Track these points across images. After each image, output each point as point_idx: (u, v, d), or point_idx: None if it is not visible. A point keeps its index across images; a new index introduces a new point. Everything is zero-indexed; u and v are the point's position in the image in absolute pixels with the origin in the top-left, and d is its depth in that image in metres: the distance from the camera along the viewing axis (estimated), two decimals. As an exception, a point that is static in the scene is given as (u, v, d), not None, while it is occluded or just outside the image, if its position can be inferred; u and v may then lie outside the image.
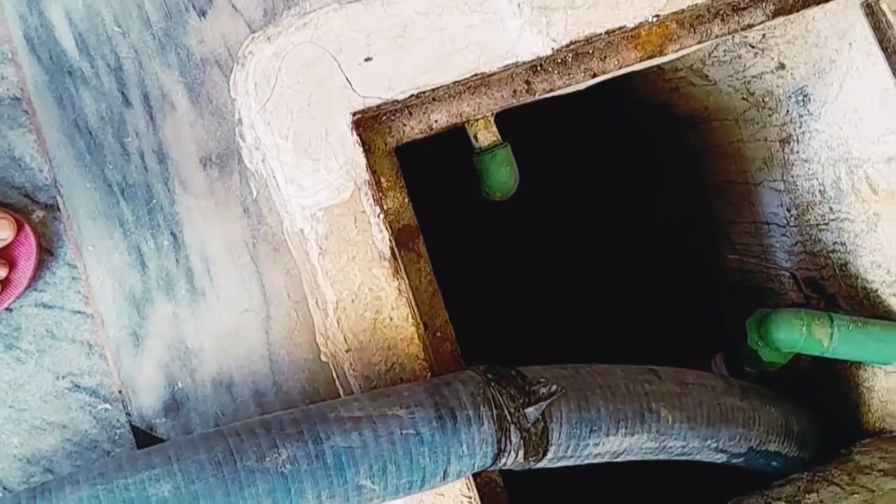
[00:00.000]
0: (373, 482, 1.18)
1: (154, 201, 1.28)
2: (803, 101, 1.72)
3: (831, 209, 1.75)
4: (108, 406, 1.28)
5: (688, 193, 2.32)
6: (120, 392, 1.28)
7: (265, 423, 1.18)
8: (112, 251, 1.28)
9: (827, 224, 1.78)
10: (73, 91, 1.26)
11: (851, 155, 1.64)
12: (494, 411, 1.24)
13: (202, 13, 1.29)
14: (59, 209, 1.27)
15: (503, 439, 1.25)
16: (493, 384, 1.27)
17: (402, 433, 1.19)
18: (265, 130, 1.29)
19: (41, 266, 1.26)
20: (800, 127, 1.77)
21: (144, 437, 1.29)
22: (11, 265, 1.23)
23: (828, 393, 1.91)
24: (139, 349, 1.29)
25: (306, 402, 1.32)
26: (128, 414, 1.28)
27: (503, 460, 1.27)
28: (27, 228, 1.23)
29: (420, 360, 1.33)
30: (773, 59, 1.73)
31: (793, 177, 1.84)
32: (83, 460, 1.27)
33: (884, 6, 1.36)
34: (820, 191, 1.77)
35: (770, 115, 1.85)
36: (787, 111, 1.79)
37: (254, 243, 1.31)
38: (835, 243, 1.78)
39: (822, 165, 1.73)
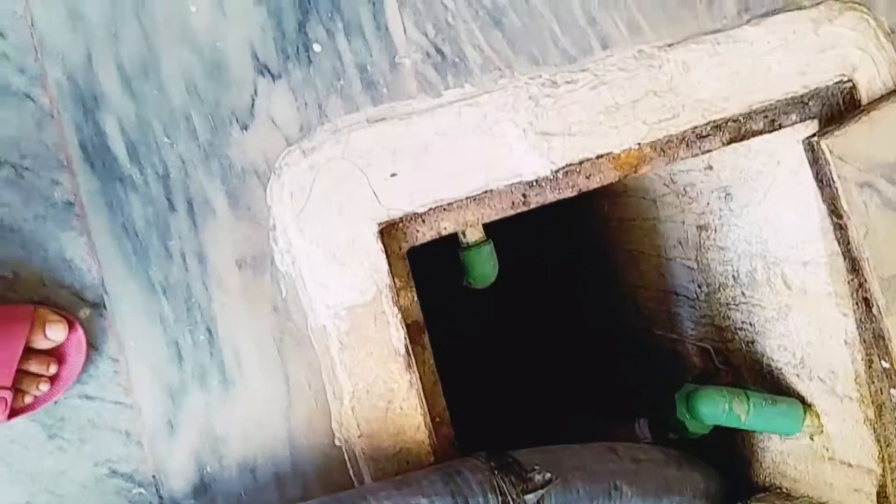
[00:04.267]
0: (400, 565, 1.33)
1: (192, 299, 1.38)
2: (726, 198, 1.96)
3: (743, 293, 2.00)
4: (142, 490, 1.37)
5: (597, 260, 2.53)
6: (154, 476, 1.37)
7: (306, 513, 1.31)
8: (152, 346, 1.36)
9: (737, 305, 2.03)
10: (122, 196, 1.34)
11: (769, 253, 1.88)
12: (499, 498, 1.41)
13: (244, 127, 1.39)
14: (104, 307, 1.34)
15: (507, 522, 1.41)
16: (496, 472, 1.43)
17: (426, 520, 1.34)
18: (297, 236, 1.40)
19: (87, 361, 1.33)
20: (719, 219, 2.00)
21: (174, 518, 1.39)
22: (62, 362, 1.30)
23: (723, 450, 2.16)
24: (173, 436, 1.38)
25: (321, 483, 1.45)
26: (160, 497, 1.38)
27: (504, 540, 1.43)
28: (78, 327, 1.30)
29: (425, 445, 1.47)
30: (702, 160, 1.96)
31: (707, 259, 2.08)
32: (117, 541, 1.36)
33: (823, 146, 1.60)
34: (734, 276, 2.01)
35: (690, 203, 2.08)
36: (708, 203, 2.02)
37: (281, 338, 1.42)
38: (743, 322, 2.03)
39: (739, 256, 1.98)
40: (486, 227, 1.76)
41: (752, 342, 2.01)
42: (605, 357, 2.63)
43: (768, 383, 1.99)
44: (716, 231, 2.03)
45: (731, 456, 2.16)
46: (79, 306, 1.33)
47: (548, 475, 1.47)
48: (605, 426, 1.94)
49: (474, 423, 1.70)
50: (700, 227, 2.08)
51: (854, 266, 1.68)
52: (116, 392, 1.35)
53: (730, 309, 2.06)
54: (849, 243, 1.66)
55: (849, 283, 1.71)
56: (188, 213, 1.37)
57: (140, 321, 1.36)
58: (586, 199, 2.42)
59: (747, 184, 1.89)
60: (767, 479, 2.09)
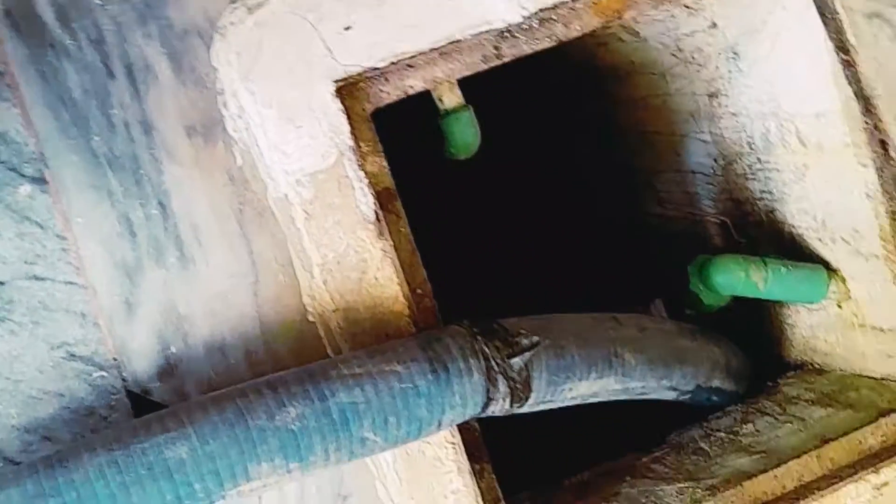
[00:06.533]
0: (375, 434, 1.25)
1: (141, 171, 1.30)
2: (733, 57, 1.83)
3: (759, 160, 1.87)
4: (103, 373, 1.30)
5: (610, 144, 2.42)
6: (115, 359, 1.31)
7: (270, 383, 1.23)
8: (101, 222, 1.29)
9: (754, 174, 1.90)
10: (55, 64, 1.27)
11: (781, 109, 1.75)
12: (483, 363, 1.32)
13: (182, -17, 1.31)
14: (46, 182, 1.27)
15: (492, 388, 1.32)
16: (479, 337, 1.34)
17: (400, 387, 1.25)
18: (248, 99, 1.32)
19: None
20: (729, 82, 1.87)
21: (140, 402, 1.32)
22: None
23: (750, 330, 2.04)
24: (132, 316, 1.31)
25: (296, 360, 1.37)
26: (123, 380, 1.31)
27: (492, 408, 1.35)
28: None
29: (405, 317, 1.39)
30: (706, 18, 1.82)
31: (720, 129, 1.95)
32: (81, 427, 1.29)
33: (827, -22, 1.47)
34: (748, 142, 1.88)
35: (698, 71, 1.95)
36: (717, 67, 1.89)
37: (240, 209, 1.34)
38: (762, 192, 1.90)
39: (752, 119, 1.85)
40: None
41: (772, 211, 1.89)
42: (622, 243, 2.52)
43: (791, 252, 1.86)
44: (727, 96, 1.90)
45: (758, 335, 2.04)
46: (18, 182, 1.26)
47: (535, 338, 1.37)
48: (618, 307, 1.83)
49: (478, 306, 1.60)
50: (711, 95, 1.95)
51: (867, 107, 1.55)
52: (67, 271, 1.29)
53: (747, 179, 1.94)
54: (860, 81, 1.53)
55: (864, 127, 1.58)
56: (128, 79, 1.30)
57: (86, 196, 1.29)
58: (595, 79, 2.31)
59: (754, 38, 1.76)
60: (798, 357, 1.97)
